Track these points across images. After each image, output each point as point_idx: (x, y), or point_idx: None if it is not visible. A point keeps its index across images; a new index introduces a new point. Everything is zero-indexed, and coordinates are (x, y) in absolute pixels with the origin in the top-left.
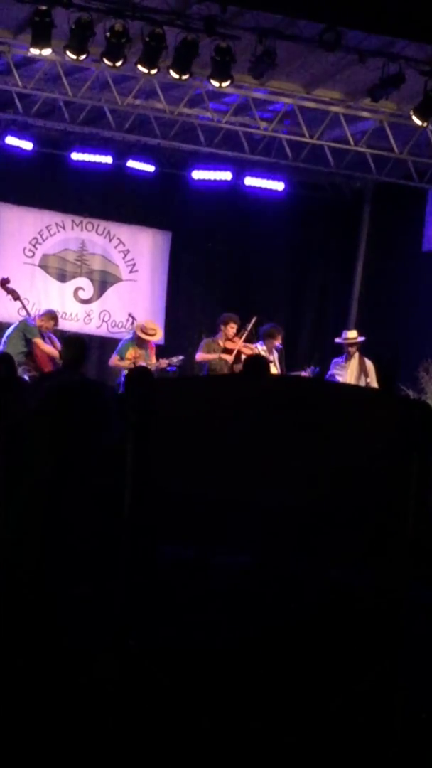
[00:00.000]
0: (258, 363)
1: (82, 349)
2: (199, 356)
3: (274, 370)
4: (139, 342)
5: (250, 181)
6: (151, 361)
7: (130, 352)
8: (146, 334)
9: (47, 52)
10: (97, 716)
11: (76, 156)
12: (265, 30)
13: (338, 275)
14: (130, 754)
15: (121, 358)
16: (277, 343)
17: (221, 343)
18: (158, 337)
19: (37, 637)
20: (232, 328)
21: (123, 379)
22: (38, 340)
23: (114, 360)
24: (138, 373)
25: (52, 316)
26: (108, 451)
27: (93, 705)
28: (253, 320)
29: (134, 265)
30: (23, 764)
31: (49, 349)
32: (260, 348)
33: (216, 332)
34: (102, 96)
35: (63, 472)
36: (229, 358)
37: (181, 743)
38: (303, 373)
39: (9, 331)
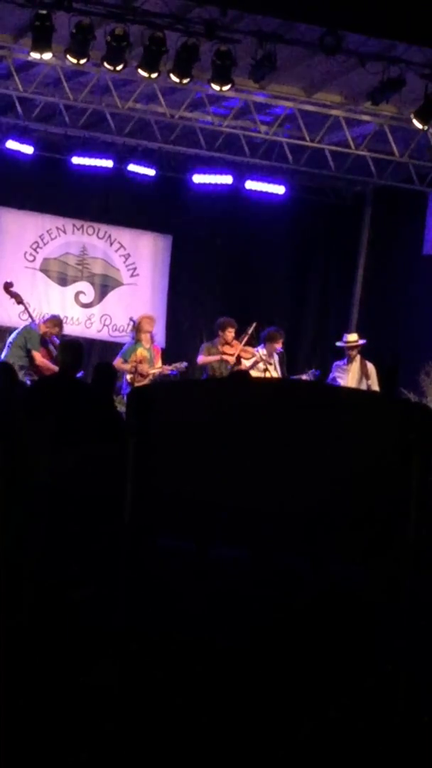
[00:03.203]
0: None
1: (78, 353)
2: (201, 359)
3: (275, 373)
4: (139, 337)
5: (250, 184)
6: (156, 365)
7: (134, 355)
8: (144, 326)
9: (48, 56)
10: (98, 718)
11: (76, 160)
12: (266, 34)
13: (339, 278)
14: (131, 756)
15: (125, 361)
16: (278, 346)
17: (220, 348)
18: (151, 323)
19: (37, 638)
20: (230, 333)
21: (124, 381)
22: (36, 354)
23: (118, 363)
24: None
25: (56, 322)
26: (106, 454)
27: (93, 706)
28: (252, 326)
29: (135, 269)
30: (23, 765)
31: (45, 363)
32: (261, 352)
33: (214, 337)
34: (102, 100)
35: (61, 473)
36: (230, 358)
37: (182, 744)
38: (304, 377)
39: (12, 336)
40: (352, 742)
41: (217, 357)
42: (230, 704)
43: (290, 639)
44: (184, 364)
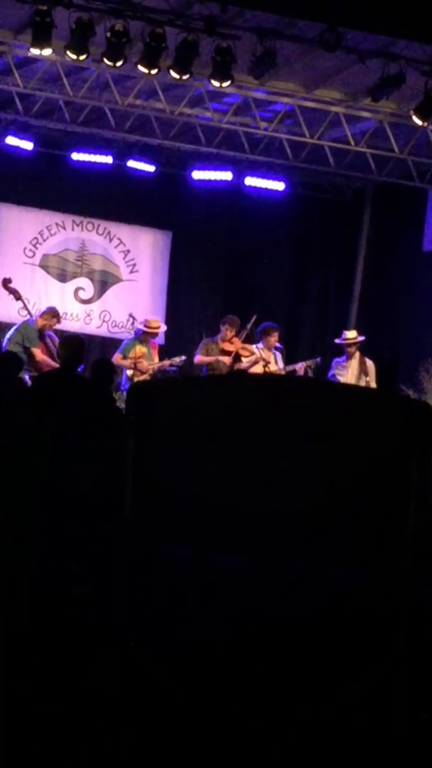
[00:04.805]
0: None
1: (79, 348)
2: (198, 359)
3: (274, 368)
4: (143, 338)
5: (250, 181)
6: (154, 361)
7: (133, 352)
8: (150, 328)
9: (47, 52)
10: (98, 717)
11: (76, 156)
12: (266, 30)
13: (338, 275)
14: (131, 755)
15: (124, 357)
16: (274, 341)
17: (220, 344)
18: (161, 329)
19: (36, 637)
20: (229, 330)
21: (124, 377)
22: (36, 351)
23: (117, 358)
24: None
25: (54, 314)
26: (106, 452)
27: (93, 706)
28: (253, 319)
29: (135, 265)
30: (23, 765)
31: (45, 359)
32: (258, 348)
33: (217, 333)
34: (102, 96)
35: (60, 469)
36: (227, 359)
37: (181, 744)
38: (302, 363)
39: (11, 332)
40: (351, 741)
41: (212, 358)
42: (230, 705)
43: (289, 641)
44: (182, 358)
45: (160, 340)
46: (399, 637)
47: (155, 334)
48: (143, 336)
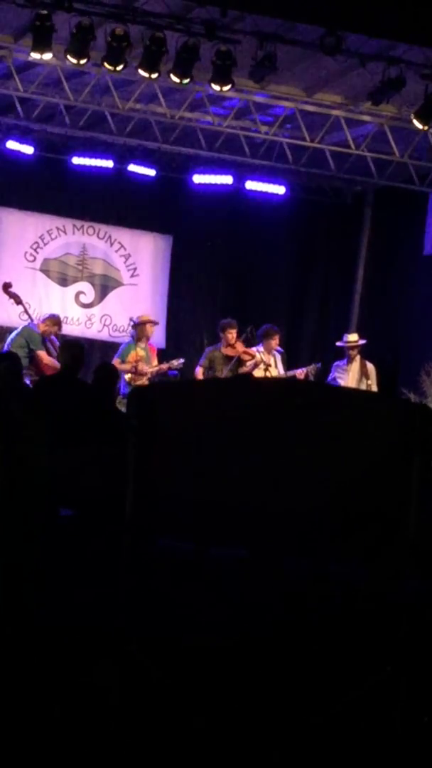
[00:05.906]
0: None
1: (80, 352)
2: (197, 371)
3: (275, 372)
4: (140, 334)
5: (251, 185)
6: (153, 364)
7: (132, 355)
8: (143, 321)
9: (48, 56)
10: (98, 718)
11: (77, 160)
12: (266, 34)
13: (339, 279)
14: (131, 755)
15: (123, 361)
16: (275, 343)
17: (222, 350)
18: (154, 322)
19: (36, 638)
20: (230, 334)
21: (123, 381)
22: (42, 353)
23: (115, 363)
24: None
25: (55, 321)
26: (108, 455)
27: (93, 707)
28: (249, 329)
29: (135, 269)
30: (23, 765)
31: (52, 361)
32: (259, 351)
33: (218, 339)
34: (103, 100)
35: (61, 473)
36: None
37: (180, 743)
38: (300, 369)
39: (12, 336)
40: (352, 743)
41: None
42: (228, 704)
43: (289, 643)
44: (180, 361)
45: (160, 343)
46: (399, 639)
47: (150, 323)
48: (139, 330)
